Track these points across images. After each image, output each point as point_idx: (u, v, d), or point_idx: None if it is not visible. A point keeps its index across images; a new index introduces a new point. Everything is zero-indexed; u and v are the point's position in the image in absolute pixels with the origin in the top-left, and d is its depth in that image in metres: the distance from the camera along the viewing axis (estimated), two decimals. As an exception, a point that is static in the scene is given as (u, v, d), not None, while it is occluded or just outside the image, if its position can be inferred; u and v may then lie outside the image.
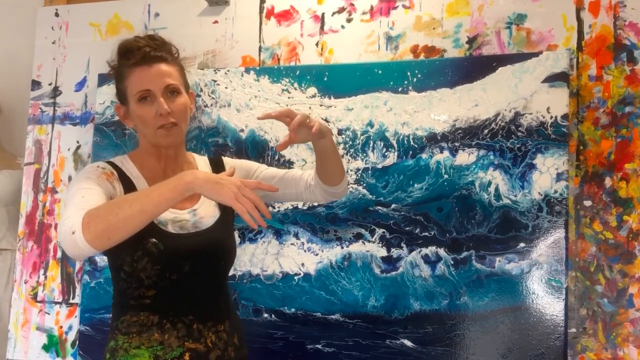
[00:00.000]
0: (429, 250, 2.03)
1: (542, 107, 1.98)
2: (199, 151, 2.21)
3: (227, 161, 1.68)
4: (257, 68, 2.28)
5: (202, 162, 1.66)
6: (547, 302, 1.91)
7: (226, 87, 2.28)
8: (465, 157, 2.03)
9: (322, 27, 2.28)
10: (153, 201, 1.27)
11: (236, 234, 2.11)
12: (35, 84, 2.59)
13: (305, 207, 2.15)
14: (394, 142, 2.10)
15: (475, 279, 1.98)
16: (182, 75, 1.55)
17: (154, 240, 1.42)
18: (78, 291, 2.42)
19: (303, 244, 2.14)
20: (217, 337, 1.50)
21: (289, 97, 2.21)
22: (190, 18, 2.42)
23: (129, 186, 1.48)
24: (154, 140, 1.49)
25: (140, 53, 1.47)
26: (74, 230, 1.24)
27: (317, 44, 2.27)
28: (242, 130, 2.25)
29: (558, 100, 1.96)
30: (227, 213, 1.58)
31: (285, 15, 2.32)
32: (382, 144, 2.11)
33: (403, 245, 2.05)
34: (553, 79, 1.97)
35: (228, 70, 2.29)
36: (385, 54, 2.20)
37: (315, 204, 2.13)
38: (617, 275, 1.93)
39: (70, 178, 2.49)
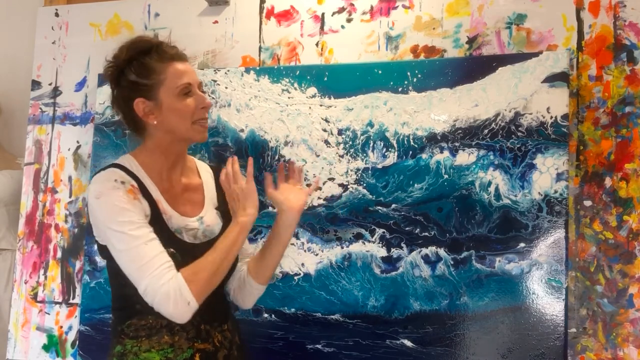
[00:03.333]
0: (429, 250, 2.03)
1: (542, 107, 1.98)
2: (199, 151, 2.22)
3: None
4: (257, 68, 2.28)
5: (202, 168, 1.66)
6: (547, 302, 1.91)
7: (226, 87, 2.28)
8: (465, 157, 2.03)
9: (322, 27, 2.28)
10: (239, 244, 1.47)
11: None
12: (35, 84, 2.59)
13: (305, 207, 2.14)
14: (394, 142, 2.10)
15: (475, 279, 1.98)
16: None
17: (172, 250, 1.41)
18: (78, 291, 2.42)
19: (303, 244, 2.14)
20: (222, 337, 1.51)
21: (289, 97, 2.21)
22: (190, 18, 2.42)
23: (148, 197, 1.46)
24: (188, 135, 1.51)
25: (172, 49, 1.52)
26: (188, 300, 1.35)
27: (317, 44, 2.28)
28: (242, 130, 2.25)
29: (558, 100, 1.96)
30: (229, 220, 1.56)
31: (285, 15, 2.32)
32: (382, 144, 2.11)
33: (403, 245, 2.05)
34: (553, 79, 1.97)
35: (228, 70, 2.29)
36: (385, 54, 2.20)
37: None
38: (617, 275, 1.93)
39: (70, 178, 2.49)
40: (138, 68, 1.50)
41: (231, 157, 1.54)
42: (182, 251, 1.43)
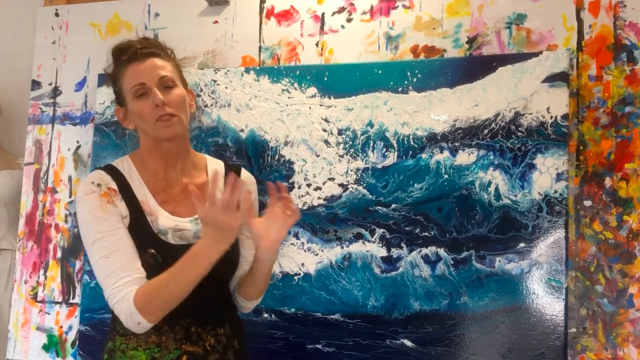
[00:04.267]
0: (429, 250, 2.03)
1: (542, 107, 1.97)
2: (199, 151, 2.21)
3: (245, 179, 1.61)
4: (257, 68, 2.28)
5: (213, 166, 1.61)
6: (547, 302, 1.91)
7: (226, 87, 2.28)
8: (465, 157, 2.03)
9: (322, 27, 2.28)
10: (194, 276, 1.36)
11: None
12: (35, 84, 2.59)
13: (305, 207, 2.15)
14: (394, 142, 2.10)
15: (475, 279, 1.98)
16: (177, 70, 1.54)
17: (153, 251, 1.42)
18: (78, 291, 2.42)
19: (303, 244, 2.14)
20: (216, 341, 1.49)
21: (289, 97, 2.21)
22: (190, 18, 2.42)
23: (130, 198, 1.47)
24: (155, 134, 1.48)
25: (132, 50, 1.48)
26: (139, 321, 1.37)
27: (317, 44, 2.28)
28: (242, 130, 2.25)
29: (558, 100, 1.96)
30: None
31: (285, 15, 2.32)
32: (382, 144, 2.11)
33: (403, 245, 2.05)
34: (553, 79, 1.97)
35: (228, 70, 2.29)
36: (385, 54, 2.20)
37: (315, 205, 2.14)
38: (617, 275, 1.93)
39: (70, 178, 2.49)
40: (110, 76, 1.55)
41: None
42: (163, 252, 1.43)
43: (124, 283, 1.38)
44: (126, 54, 1.48)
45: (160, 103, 1.45)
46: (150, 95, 1.46)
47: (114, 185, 1.46)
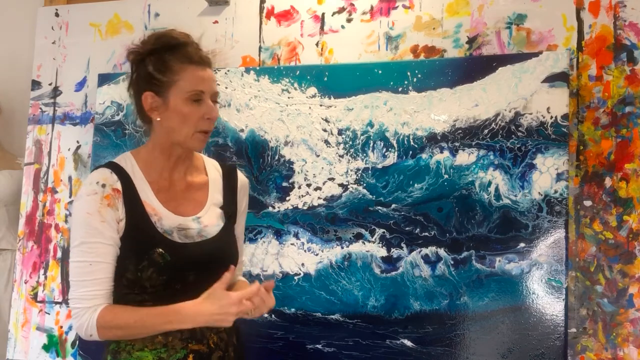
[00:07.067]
0: (429, 250, 2.03)
1: (542, 107, 1.98)
2: (198, 151, 2.21)
3: (242, 180, 1.63)
4: (257, 68, 2.28)
5: (211, 165, 1.62)
6: (547, 302, 1.91)
7: (226, 87, 2.28)
8: (465, 157, 2.03)
9: (322, 27, 2.28)
10: (162, 329, 1.41)
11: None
12: (35, 84, 2.59)
13: (305, 207, 2.15)
14: (394, 142, 2.10)
15: (475, 279, 1.98)
16: None
17: (161, 250, 1.41)
18: (78, 291, 2.42)
19: (303, 244, 2.14)
20: (218, 338, 1.49)
21: (289, 97, 2.21)
22: (190, 18, 2.42)
23: (132, 200, 1.45)
24: (186, 143, 1.47)
25: (198, 53, 1.48)
26: (91, 333, 1.40)
27: (317, 44, 2.28)
28: (242, 130, 2.25)
29: (558, 100, 1.96)
30: (230, 220, 1.56)
31: (285, 15, 2.32)
32: (382, 144, 2.11)
33: (403, 245, 2.05)
34: (553, 79, 1.97)
35: (228, 70, 2.29)
36: (385, 54, 2.20)
37: (314, 205, 2.14)
38: (617, 275, 1.93)
39: (70, 178, 2.49)
40: (157, 62, 1.48)
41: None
42: (171, 251, 1.43)
43: (95, 295, 1.41)
44: (188, 54, 1.47)
45: (215, 118, 1.47)
46: (204, 105, 1.46)
47: (118, 186, 1.44)
